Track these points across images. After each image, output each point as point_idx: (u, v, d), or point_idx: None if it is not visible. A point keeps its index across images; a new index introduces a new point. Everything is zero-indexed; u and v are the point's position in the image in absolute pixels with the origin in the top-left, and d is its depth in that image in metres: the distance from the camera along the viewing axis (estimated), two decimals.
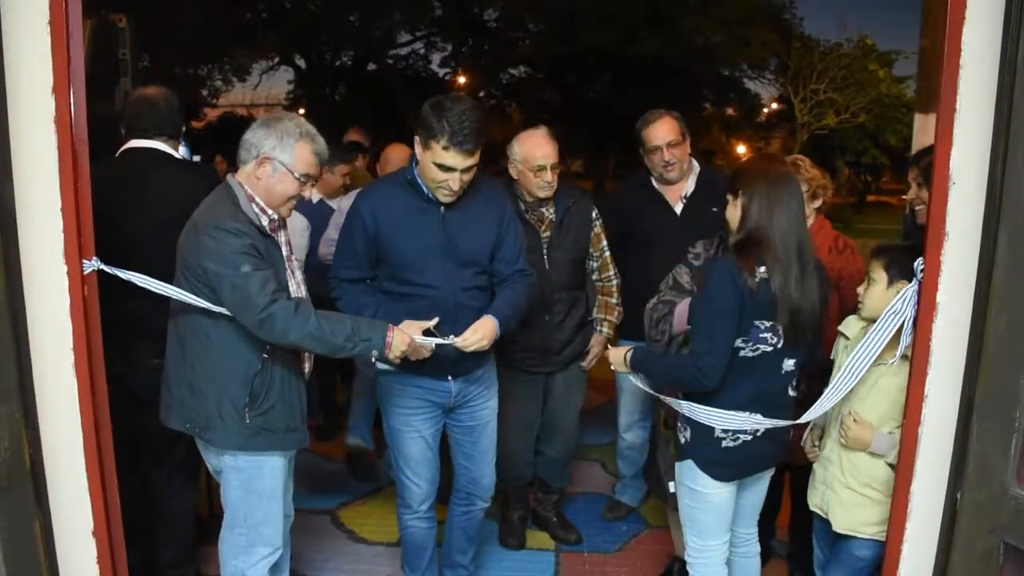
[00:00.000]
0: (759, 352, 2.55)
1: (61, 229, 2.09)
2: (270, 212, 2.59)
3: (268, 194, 2.57)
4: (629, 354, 2.78)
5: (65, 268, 2.11)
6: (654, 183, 3.83)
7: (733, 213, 2.61)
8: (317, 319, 2.47)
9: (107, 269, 2.32)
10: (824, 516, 2.77)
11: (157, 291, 2.46)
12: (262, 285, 2.41)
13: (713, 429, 2.61)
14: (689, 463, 2.68)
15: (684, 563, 3.53)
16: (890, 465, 2.55)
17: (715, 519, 2.76)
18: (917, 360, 2.16)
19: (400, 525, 3.23)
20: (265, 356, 2.53)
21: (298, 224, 4.46)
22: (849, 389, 2.42)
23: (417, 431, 3.05)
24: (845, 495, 2.67)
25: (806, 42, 22.97)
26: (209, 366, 2.54)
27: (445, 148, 2.69)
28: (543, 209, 3.62)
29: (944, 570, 2.12)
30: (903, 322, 2.30)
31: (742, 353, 2.54)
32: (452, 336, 2.78)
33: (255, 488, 2.64)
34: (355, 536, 4.06)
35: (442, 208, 2.88)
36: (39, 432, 2.11)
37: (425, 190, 2.86)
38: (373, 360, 2.63)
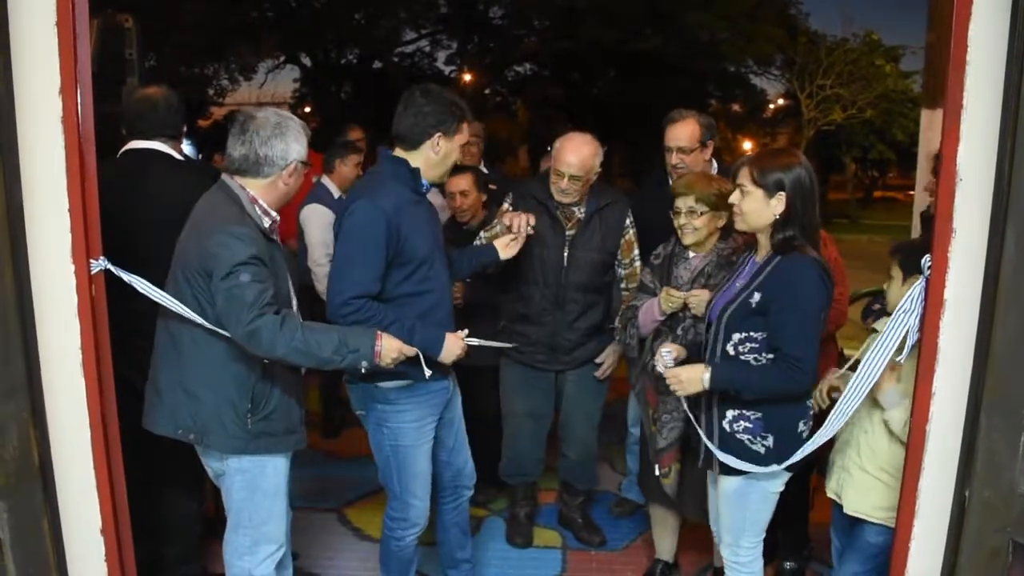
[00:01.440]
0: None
1: (68, 229, 2.10)
2: (273, 213, 2.60)
3: (288, 194, 2.63)
4: (707, 375, 2.59)
5: (73, 268, 2.12)
6: (670, 180, 3.80)
7: (763, 208, 2.60)
8: (303, 333, 2.44)
9: (114, 270, 2.33)
10: (839, 501, 2.80)
11: (157, 300, 2.45)
12: (255, 298, 2.39)
13: (796, 425, 2.64)
14: (773, 468, 2.63)
15: (667, 564, 3.58)
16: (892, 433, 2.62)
17: (771, 512, 2.80)
18: (925, 357, 2.16)
19: (395, 547, 3.12)
20: (266, 361, 2.52)
21: (325, 220, 4.49)
22: (866, 393, 2.40)
23: (428, 442, 3.03)
24: (859, 478, 2.72)
25: (812, 37, 22.87)
26: (209, 372, 2.52)
27: (469, 122, 2.92)
28: (574, 208, 3.61)
29: (952, 568, 2.12)
30: (913, 321, 2.28)
31: None
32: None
33: (259, 487, 2.64)
34: (361, 534, 4.06)
35: (427, 198, 2.97)
36: (47, 431, 2.12)
37: (424, 183, 2.90)
38: (363, 371, 2.60)
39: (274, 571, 2.76)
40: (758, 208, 2.60)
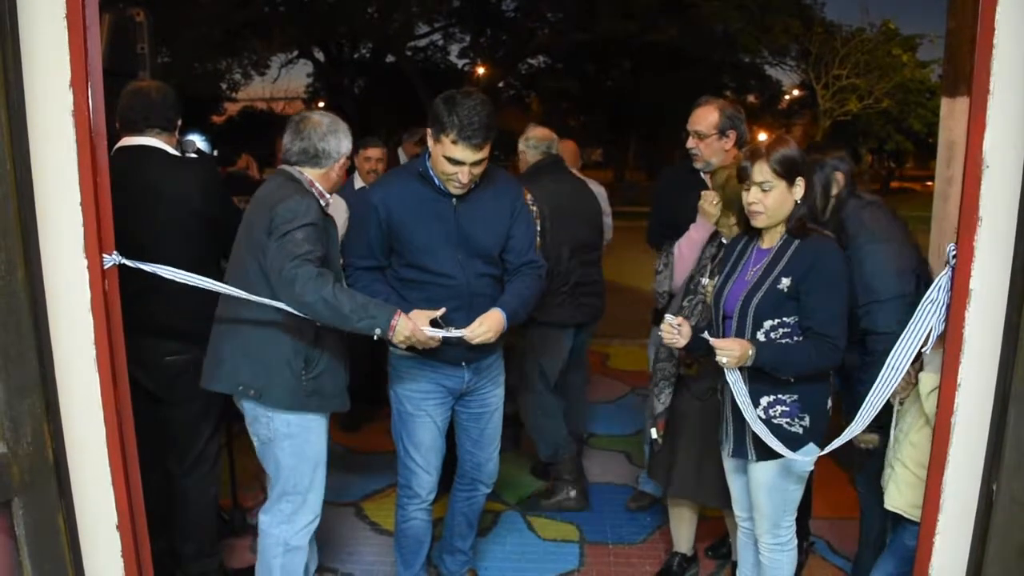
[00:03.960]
0: None
1: (81, 223, 2.08)
2: (327, 196, 2.89)
3: (336, 184, 2.95)
4: (751, 351, 2.57)
5: (85, 262, 2.10)
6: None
7: (787, 198, 2.62)
8: (334, 289, 2.60)
9: (128, 263, 2.31)
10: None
11: (183, 281, 2.48)
12: (303, 251, 2.60)
13: (826, 402, 2.69)
14: (810, 447, 2.66)
15: (684, 557, 3.57)
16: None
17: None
18: (950, 348, 2.11)
19: (400, 517, 3.22)
20: (319, 325, 2.71)
21: (339, 206, 4.65)
22: (895, 386, 2.35)
23: (429, 416, 3.08)
24: (901, 473, 2.73)
25: (828, 27, 22.69)
26: (269, 336, 2.76)
27: (454, 142, 2.73)
28: None
29: (979, 564, 2.07)
30: (939, 311, 2.24)
31: None
32: (455, 329, 2.83)
33: (305, 453, 2.87)
34: (379, 528, 4.06)
35: (454, 200, 2.91)
36: (61, 427, 2.10)
37: (437, 182, 2.89)
38: (375, 338, 2.67)
39: (307, 544, 2.97)
40: (782, 199, 2.62)
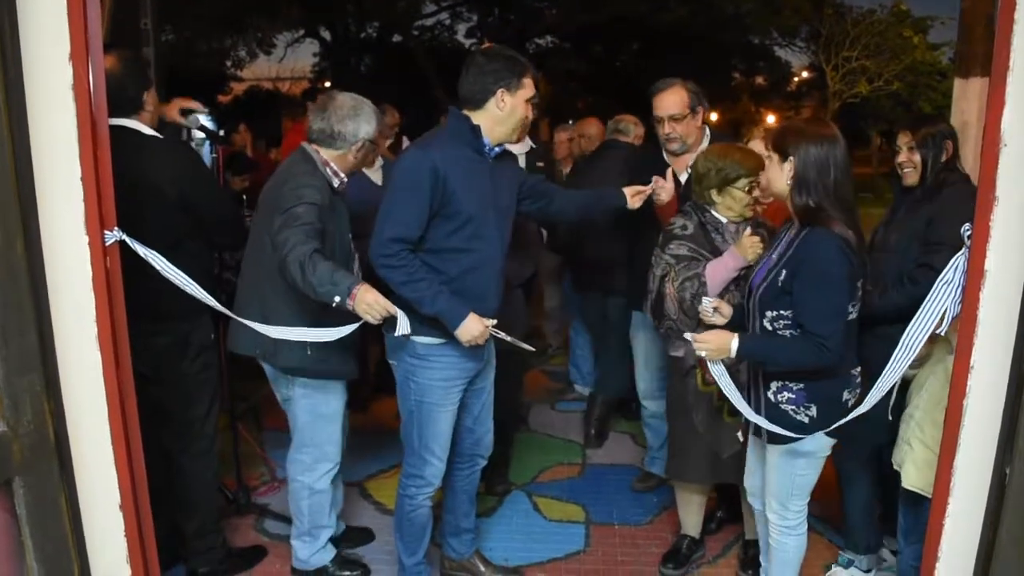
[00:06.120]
0: (857, 310, 2.58)
1: (82, 199, 2.05)
2: (342, 175, 3.06)
3: (356, 165, 3.16)
4: (734, 343, 2.54)
5: (86, 238, 2.07)
6: (664, 152, 3.73)
7: (779, 173, 2.59)
8: (314, 259, 2.65)
9: (129, 241, 2.29)
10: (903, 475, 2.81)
11: (170, 277, 2.46)
12: (300, 223, 2.74)
13: (841, 395, 2.62)
14: (818, 435, 2.62)
15: (693, 539, 3.56)
16: None
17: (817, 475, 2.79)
18: (963, 330, 2.07)
19: (409, 507, 3.14)
20: (332, 305, 2.69)
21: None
22: (908, 364, 2.30)
23: (453, 404, 3.05)
24: (919, 452, 2.70)
25: (838, 8, 22.48)
26: (281, 309, 2.96)
27: (532, 78, 2.90)
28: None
29: (990, 547, 2.05)
30: (955, 291, 2.20)
31: (850, 317, 2.55)
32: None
33: (321, 412, 3.19)
34: (383, 508, 4.06)
35: (491, 161, 2.93)
36: (63, 405, 2.08)
37: (486, 141, 2.87)
38: (334, 305, 2.64)
39: (329, 486, 3.31)
40: (775, 173, 2.61)
